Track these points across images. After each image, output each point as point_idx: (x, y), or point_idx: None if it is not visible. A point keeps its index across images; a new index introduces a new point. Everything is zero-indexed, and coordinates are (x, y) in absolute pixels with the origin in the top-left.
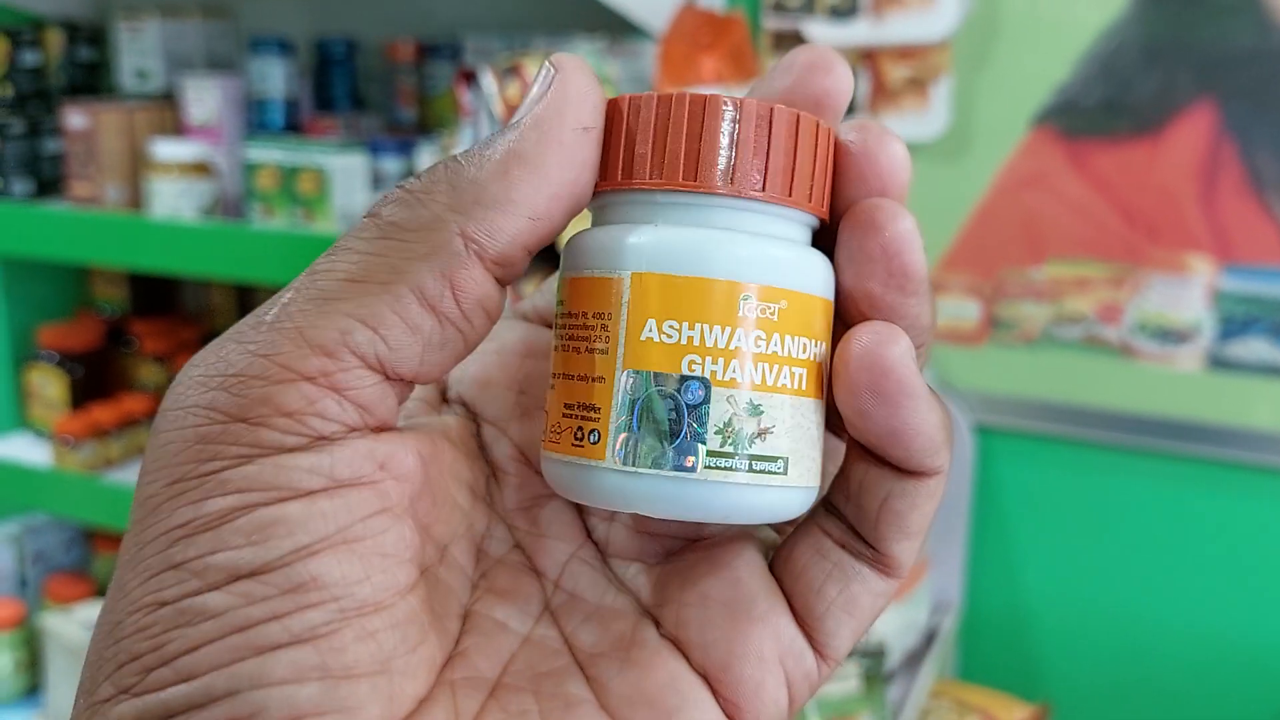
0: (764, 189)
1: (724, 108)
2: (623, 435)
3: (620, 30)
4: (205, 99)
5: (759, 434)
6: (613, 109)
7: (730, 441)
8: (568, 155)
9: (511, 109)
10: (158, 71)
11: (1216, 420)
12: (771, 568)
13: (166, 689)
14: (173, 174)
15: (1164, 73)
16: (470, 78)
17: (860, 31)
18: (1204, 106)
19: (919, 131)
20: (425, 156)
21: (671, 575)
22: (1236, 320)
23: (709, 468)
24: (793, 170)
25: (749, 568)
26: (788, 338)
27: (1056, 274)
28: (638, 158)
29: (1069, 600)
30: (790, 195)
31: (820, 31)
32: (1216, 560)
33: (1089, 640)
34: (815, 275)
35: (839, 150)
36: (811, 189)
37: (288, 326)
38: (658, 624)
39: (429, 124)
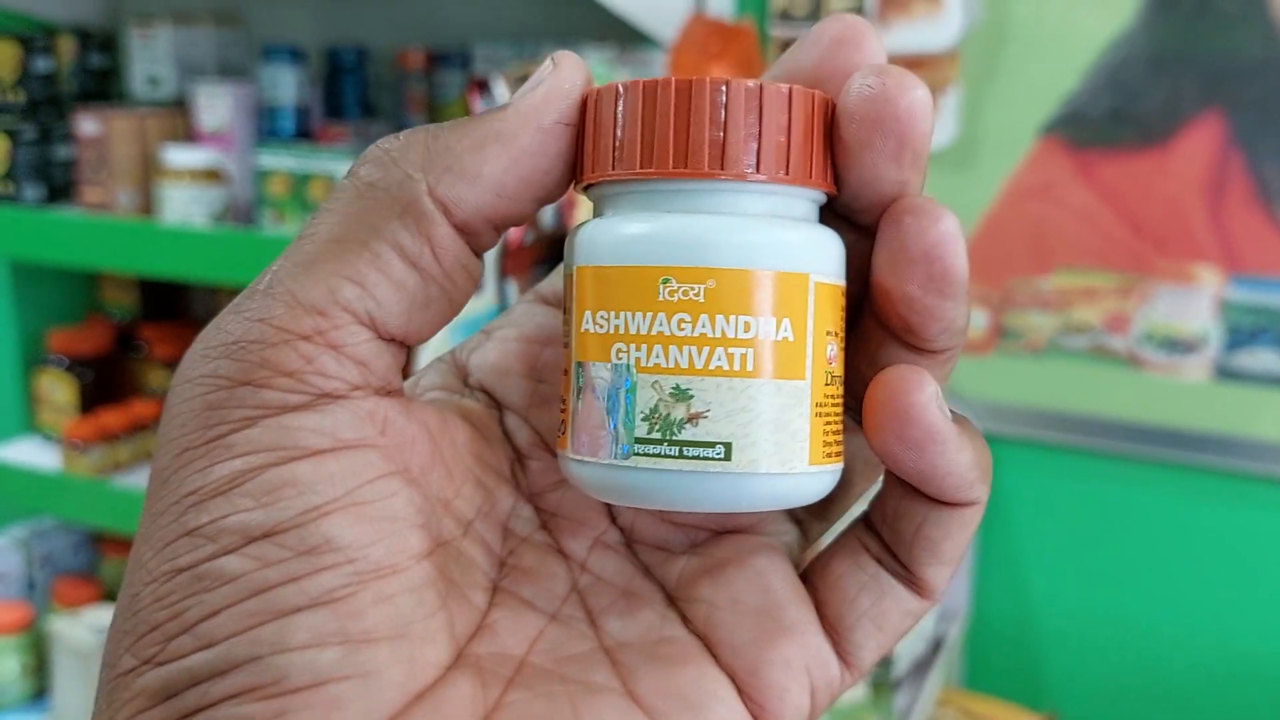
0: (722, 167)
1: (661, 91)
2: (574, 425)
3: (629, 39)
4: (216, 106)
5: (689, 419)
6: (590, 99)
7: (658, 428)
8: (544, 143)
9: None
10: (169, 78)
11: (1223, 430)
12: (808, 572)
13: (188, 656)
14: (184, 180)
15: (1171, 84)
16: (482, 86)
17: None
18: (1211, 117)
19: None
20: None
21: (701, 571)
22: (1243, 331)
23: (639, 454)
24: (757, 145)
25: (778, 574)
26: (719, 318)
27: (1064, 284)
28: (600, 149)
29: (1075, 609)
30: (759, 170)
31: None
32: (1223, 570)
33: (1095, 649)
34: (762, 250)
35: (857, 98)
36: (788, 161)
37: (279, 291)
38: (684, 617)
39: None
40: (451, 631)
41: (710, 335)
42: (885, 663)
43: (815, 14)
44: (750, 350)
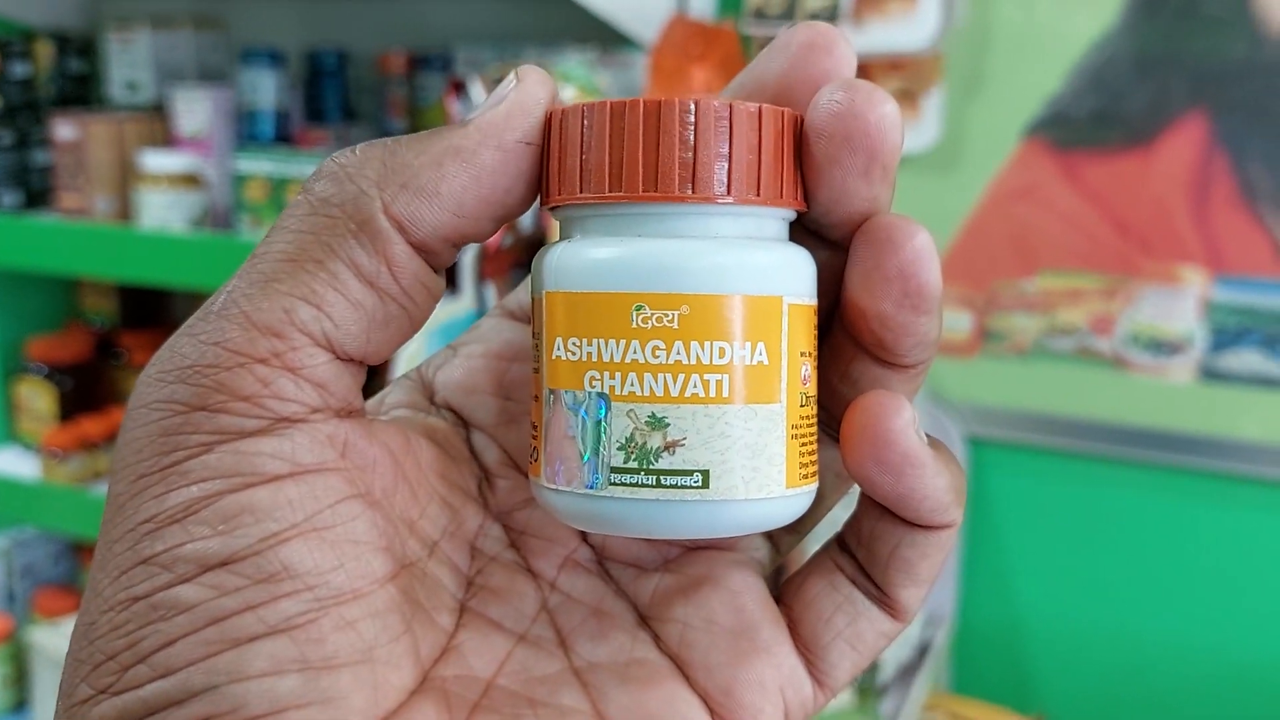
0: (693, 189)
1: (629, 111)
2: (547, 453)
3: (611, 41)
4: (195, 110)
5: (666, 447)
6: (555, 118)
7: (635, 457)
8: (505, 163)
9: None
10: (148, 83)
11: (1209, 431)
12: (782, 592)
13: (144, 686)
14: (162, 185)
15: (1155, 85)
16: (460, 88)
17: None
18: (1195, 118)
19: (910, 143)
20: None
21: (673, 589)
22: (1229, 331)
23: (614, 484)
24: (728, 166)
25: (752, 594)
26: (694, 344)
27: (1048, 286)
28: (567, 170)
29: (1062, 612)
30: (729, 193)
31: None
32: (1209, 572)
33: (1083, 652)
34: (735, 274)
35: (823, 115)
36: (759, 182)
37: (234, 312)
38: (656, 638)
39: None
40: (416, 655)
41: (685, 362)
42: (871, 669)
43: (789, 13)
44: (725, 376)
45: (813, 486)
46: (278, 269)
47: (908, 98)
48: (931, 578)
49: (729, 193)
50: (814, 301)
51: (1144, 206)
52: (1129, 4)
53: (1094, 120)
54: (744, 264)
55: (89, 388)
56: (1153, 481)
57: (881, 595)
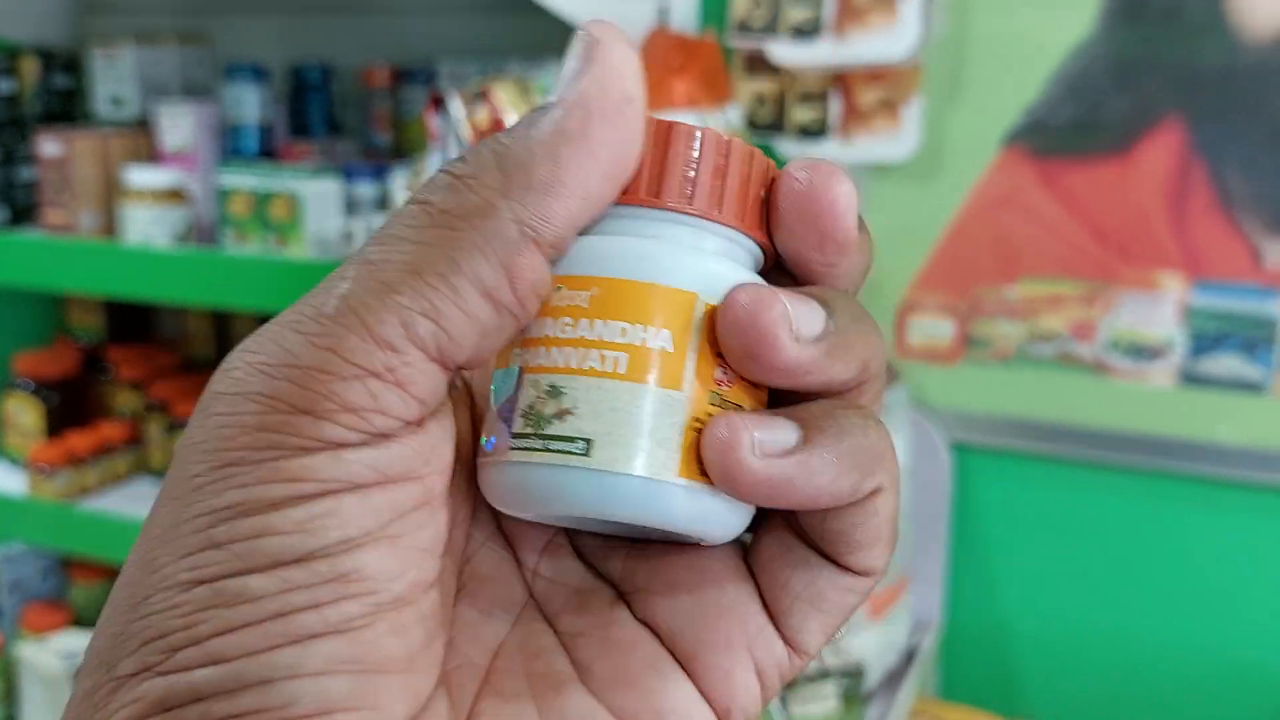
0: (646, 194)
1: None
2: (485, 429)
3: None
4: (180, 125)
5: (558, 414)
6: None
7: (531, 423)
8: (616, 131)
9: (480, 135)
10: (133, 98)
11: (1189, 435)
12: (747, 554)
13: (194, 670)
14: (146, 201)
15: (1132, 92)
16: (439, 103)
17: (823, 51)
18: (1172, 125)
19: (891, 152)
20: (399, 181)
21: (641, 561)
22: (1208, 336)
23: (514, 448)
24: (694, 180)
25: (718, 556)
26: (598, 322)
27: (1030, 292)
28: None
29: (1048, 617)
30: (691, 201)
31: (784, 52)
32: (1192, 574)
33: (1069, 657)
34: (651, 264)
35: (785, 190)
36: (692, 193)
37: (352, 320)
38: (631, 608)
39: (405, 148)
40: (439, 658)
41: (588, 338)
42: (857, 675)
43: (773, 26)
44: (624, 355)
45: (735, 504)
46: (399, 279)
47: (888, 108)
48: (879, 539)
49: (690, 201)
50: None
51: (1123, 213)
52: (1105, 12)
53: (1072, 128)
54: (662, 256)
55: (76, 403)
56: (1134, 485)
57: (834, 559)
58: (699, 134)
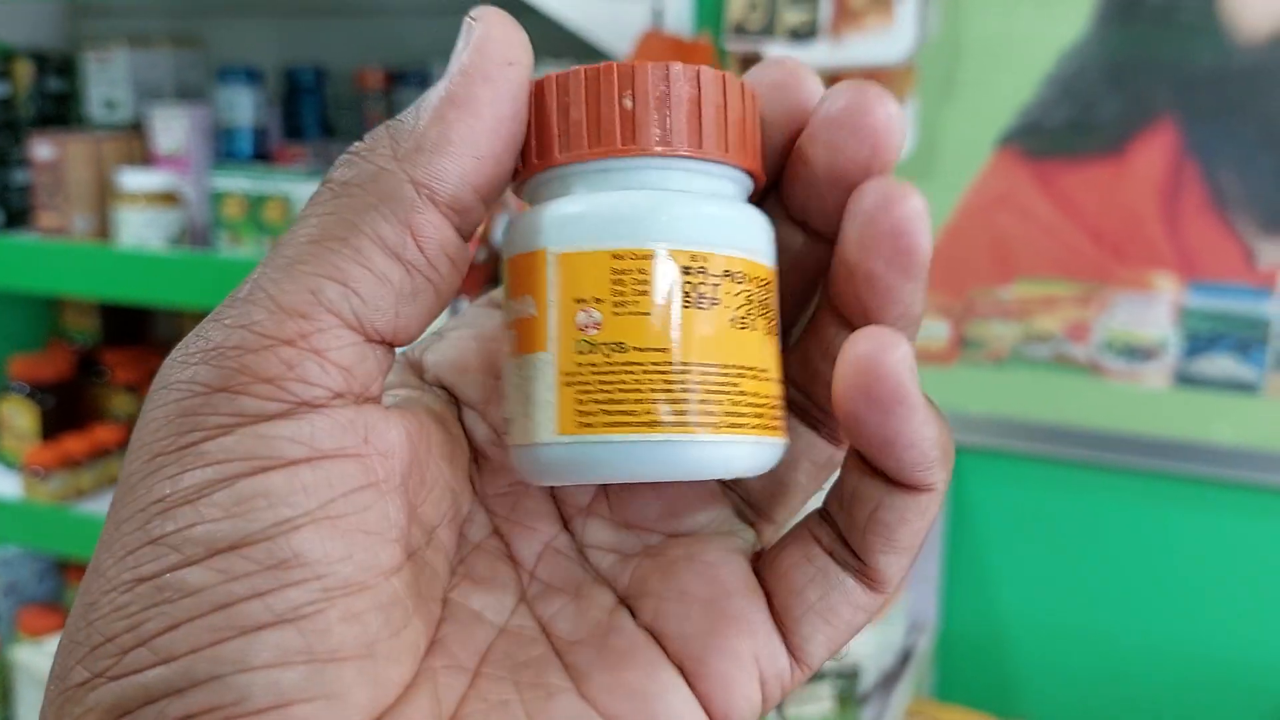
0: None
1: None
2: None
3: (585, 56)
4: (173, 128)
5: (506, 396)
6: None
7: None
8: (497, 90)
9: None
10: (127, 101)
11: (1184, 436)
12: (759, 564)
13: (145, 671)
14: (139, 204)
15: (1126, 93)
16: None
17: (820, 53)
18: (1166, 126)
19: None
20: None
21: (651, 569)
22: (1202, 337)
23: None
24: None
25: (728, 566)
26: (511, 302)
27: (1024, 293)
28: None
29: (1044, 618)
30: (666, 142)
31: (780, 54)
32: (1187, 574)
33: (1064, 657)
34: (523, 233)
35: (830, 110)
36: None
37: (259, 296)
38: (634, 614)
39: None
40: (416, 649)
41: (507, 320)
42: (852, 676)
43: (770, 29)
44: (513, 332)
45: (614, 436)
46: (302, 252)
47: None
48: (911, 546)
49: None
50: (623, 246)
51: (1116, 214)
52: (1099, 14)
53: (1066, 129)
54: (523, 221)
55: (71, 406)
56: (1129, 486)
57: (859, 564)
58: (591, 72)
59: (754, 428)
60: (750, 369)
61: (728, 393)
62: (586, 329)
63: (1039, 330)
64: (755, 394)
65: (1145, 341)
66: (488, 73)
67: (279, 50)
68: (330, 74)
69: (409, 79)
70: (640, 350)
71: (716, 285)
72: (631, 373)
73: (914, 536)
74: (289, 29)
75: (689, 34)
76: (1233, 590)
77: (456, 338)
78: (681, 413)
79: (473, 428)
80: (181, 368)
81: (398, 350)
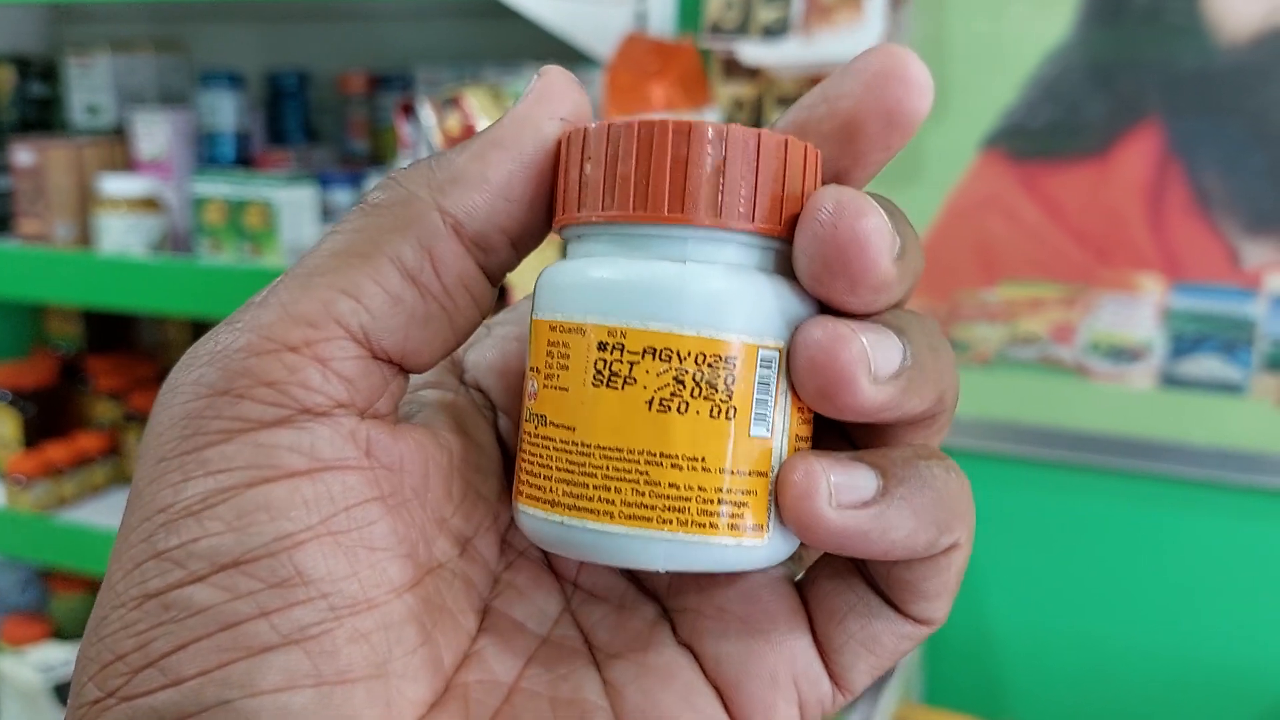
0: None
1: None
2: None
3: (569, 59)
4: (155, 134)
5: None
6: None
7: None
8: (544, 142)
9: (451, 141)
10: (109, 106)
11: (1170, 437)
12: (802, 583)
13: (155, 694)
14: (121, 210)
15: (1109, 94)
16: (409, 110)
17: (792, 50)
18: (1149, 127)
19: None
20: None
21: (690, 580)
22: (1187, 338)
23: None
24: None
25: (770, 584)
26: None
27: (1010, 295)
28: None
29: (1031, 620)
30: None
31: (754, 52)
32: (1173, 575)
33: (1052, 659)
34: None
35: (806, 231)
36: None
37: (272, 302)
38: (675, 629)
39: (381, 155)
40: (437, 665)
41: None
42: None
43: (744, 27)
44: None
45: (531, 508)
46: (322, 264)
47: None
48: (945, 591)
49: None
50: (553, 317)
51: (1101, 215)
52: (1082, 15)
53: (1050, 131)
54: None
55: (54, 413)
56: (1115, 487)
57: (896, 606)
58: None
59: (666, 522)
60: (669, 456)
61: (631, 480)
62: (528, 398)
63: (1024, 332)
64: (675, 484)
65: (1130, 343)
66: (539, 123)
67: (261, 55)
68: (313, 78)
69: (392, 83)
70: (555, 426)
71: (634, 364)
72: (545, 448)
73: (943, 586)
74: (271, 33)
75: (672, 36)
76: (1219, 591)
77: (501, 336)
78: (576, 495)
79: (507, 435)
80: (189, 369)
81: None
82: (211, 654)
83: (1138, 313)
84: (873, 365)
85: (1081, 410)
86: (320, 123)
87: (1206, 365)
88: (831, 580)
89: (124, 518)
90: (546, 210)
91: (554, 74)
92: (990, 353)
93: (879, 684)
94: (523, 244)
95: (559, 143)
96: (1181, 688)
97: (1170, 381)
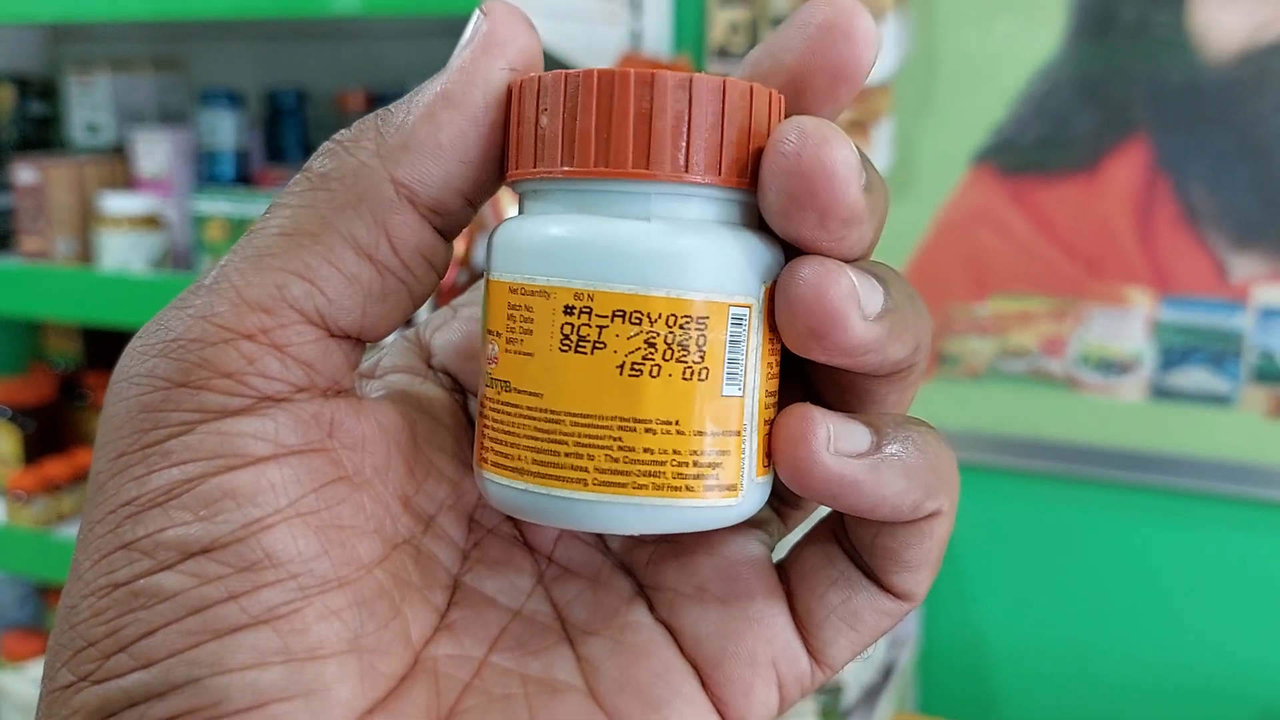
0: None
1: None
2: None
3: None
4: (155, 152)
5: None
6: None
7: None
8: (495, 95)
9: None
10: (109, 125)
11: (1160, 449)
12: (783, 559)
13: (126, 675)
14: (122, 227)
15: (1098, 110)
16: None
17: None
18: (1138, 142)
19: None
20: None
21: (669, 556)
22: (1176, 350)
23: None
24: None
25: (749, 563)
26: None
27: (1000, 309)
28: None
29: (1024, 631)
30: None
31: None
32: (1164, 586)
33: (1045, 670)
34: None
35: (771, 162)
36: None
37: (224, 286)
38: (651, 606)
39: None
40: (407, 639)
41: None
42: (835, 691)
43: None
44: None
45: (497, 475)
46: (272, 244)
47: (859, 128)
48: (926, 563)
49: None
50: (513, 278)
51: (1090, 229)
52: (1071, 31)
53: (1039, 146)
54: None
55: (53, 430)
56: (1106, 499)
57: (877, 578)
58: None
59: (641, 487)
60: (642, 421)
61: (603, 447)
62: (487, 362)
63: (1015, 346)
64: (649, 449)
65: (1120, 355)
66: (488, 75)
67: (260, 73)
68: (312, 97)
69: (389, 101)
70: (520, 393)
71: (603, 327)
72: (510, 414)
73: (925, 556)
74: (270, 52)
75: (667, 56)
76: (1210, 601)
77: (467, 318)
78: (544, 464)
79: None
80: (141, 359)
81: (409, 329)
82: (180, 637)
83: (1127, 326)
84: (862, 301)
85: (1072, 422)
86: (319, 140)
87: (1195, 377)
88: (814, 555)
89: (86, 511)
90: (500, 163)
91: (499, 14)
92: (981, 366)
93: (873, 694)
94: (478, 200)
95: (509, 90)
96: (1173, 697)
97: (1160, 393)
